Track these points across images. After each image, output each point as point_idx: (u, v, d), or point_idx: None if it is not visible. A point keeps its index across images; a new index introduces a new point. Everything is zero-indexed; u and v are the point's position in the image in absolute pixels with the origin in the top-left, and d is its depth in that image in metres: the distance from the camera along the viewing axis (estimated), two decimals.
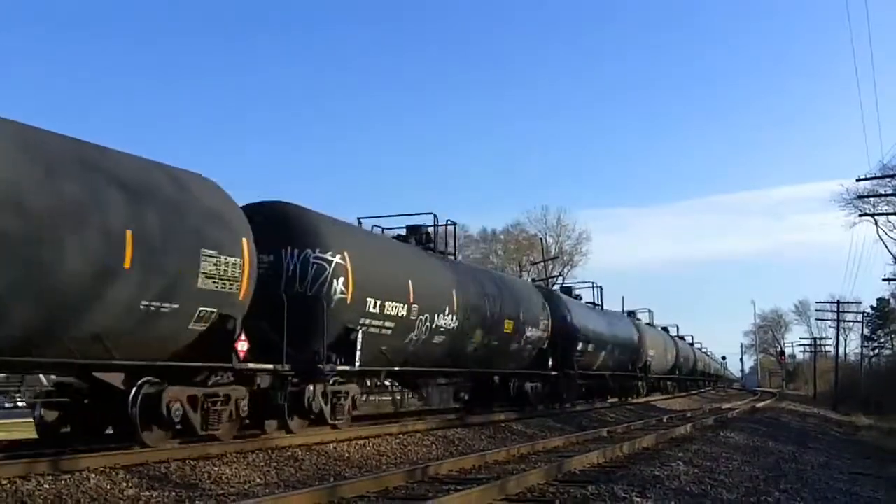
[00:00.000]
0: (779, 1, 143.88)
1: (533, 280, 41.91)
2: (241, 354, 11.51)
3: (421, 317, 16.00)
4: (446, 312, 17.14)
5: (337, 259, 13.58)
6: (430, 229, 19.10)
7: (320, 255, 13.42)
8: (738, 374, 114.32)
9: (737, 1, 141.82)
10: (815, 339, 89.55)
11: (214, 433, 11.47)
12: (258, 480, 9.99)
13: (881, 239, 43.39)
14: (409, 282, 15.69)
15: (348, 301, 13.72)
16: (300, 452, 11.81)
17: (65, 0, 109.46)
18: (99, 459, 9.56)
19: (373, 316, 14.38)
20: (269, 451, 11.50)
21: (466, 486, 9.17)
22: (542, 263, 54.16)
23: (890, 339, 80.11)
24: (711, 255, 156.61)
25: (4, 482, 8.22)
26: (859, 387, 56.16)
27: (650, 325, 43.66)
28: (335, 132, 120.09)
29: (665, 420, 23.96)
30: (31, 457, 9.53)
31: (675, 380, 50.23)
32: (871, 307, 73.84)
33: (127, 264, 9.49)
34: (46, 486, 8.32)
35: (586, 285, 33.95)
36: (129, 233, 9.54)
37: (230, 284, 11.21)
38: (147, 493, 8.67)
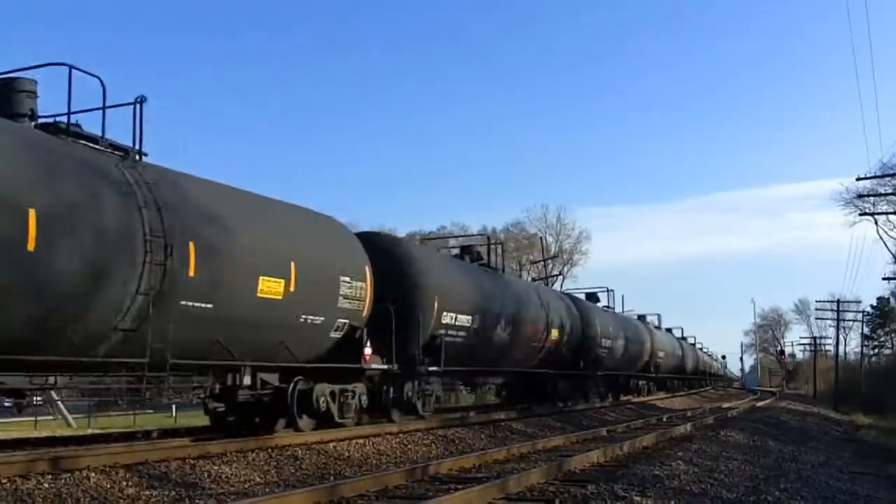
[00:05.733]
0: (780, 0, 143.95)
1: (533, 279, 41.93)
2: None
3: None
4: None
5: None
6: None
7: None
8: (738, 374, 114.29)
9: None
10: (815, 338, 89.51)
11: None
12: (258, 479, 9.99)
13: (881, 238, 43.39)
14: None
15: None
16: (300, 451, 11.81)
17: None
18: (99, 458, 9.58)
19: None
20: (270, 450, 11.50)
21: (466, 485, 9.18)
22: (542, 262, 54.12)
23: (890, 339, 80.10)
24: (711, 253, 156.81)
25: (4, 481, 8.22)
26: (859, 386, 56.18)
27: (658, 327, 45.42)
28: (330, 129, 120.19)
29: (665, 419, 23.96)
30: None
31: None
32: (871, 306, 73.91)
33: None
34: (46, 485, 8.32)
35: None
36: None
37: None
38: (147, 492, 8.67)
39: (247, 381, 12.33)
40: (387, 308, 15.12)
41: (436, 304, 16.72)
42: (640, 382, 37.73)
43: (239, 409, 13.06)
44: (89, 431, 18.15)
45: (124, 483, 8.88)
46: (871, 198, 38.41)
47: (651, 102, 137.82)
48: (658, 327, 45.82)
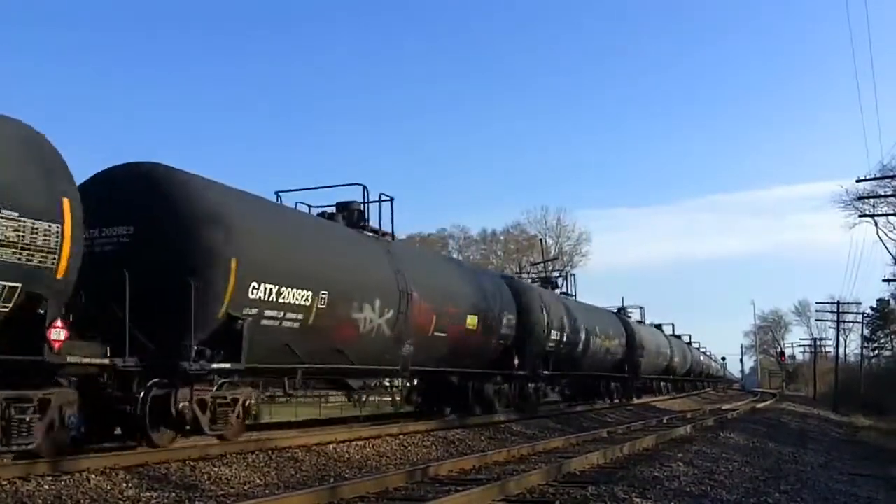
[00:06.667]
0: (780, 0, 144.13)
1: (532, 280, 41.53)
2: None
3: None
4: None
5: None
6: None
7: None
8: (738, 375, 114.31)
9: None
10: (815, 339, 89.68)
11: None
12: (258, 481, 10.00)
13: (881, 240, 43.38)
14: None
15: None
16: (300, 453, 11.83)
17: None
18: (99, 460, 9.59)
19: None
20: (270, 452, 11.52)
21: (466, 486, 9.19)
22: (542, 264, 54.13)
23: (890, 340, 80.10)
24: (711, 255, 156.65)
25: (4, 483, 8.23)
26: (859, 387, 56.20)
27: (641, 322, 40.78)
28: (329, 130, 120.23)
29: (665, 421, 23.96)
30: None
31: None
32: (871, 308, 73.88)
33: None
34: (46, 487, 8.33)
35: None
36: None
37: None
38: (147, 494, 8.68)
39: None
40: (135, 271, 10.14)
41: (233, 270, 11.08)
42: (612, 384, 32.29)
43: None
44: None
45: (124, 485, 8.89)
46: (871, 199, 38.46)
47: (651, 103, 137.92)
48: (641, 322, 40.59)
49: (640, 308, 42.70)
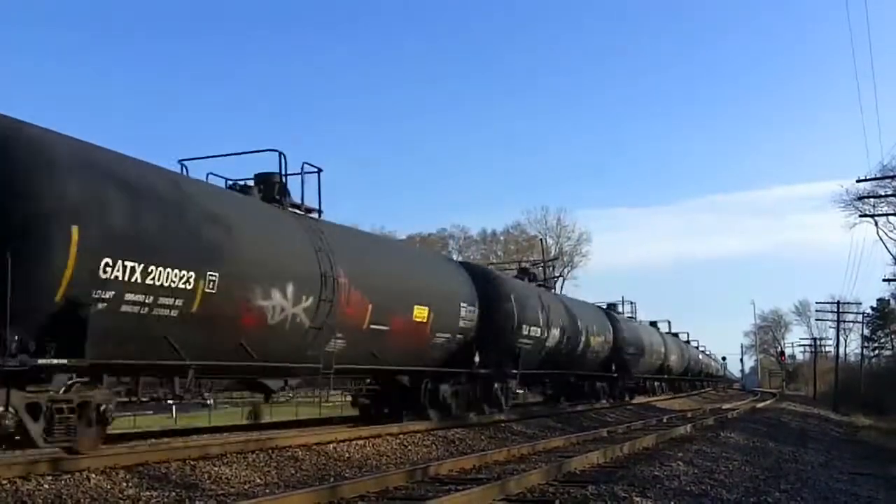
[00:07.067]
0: (780, 0, 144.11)
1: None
2: None
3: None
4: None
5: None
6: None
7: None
8: (739, 375, 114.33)
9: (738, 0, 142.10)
10: (815, 339, 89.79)
11: None
12: (258, 480, 10.00)
13: (881, 240, 43.50)
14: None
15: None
16: (300, 452, 11.83)
17: None
18: (99, 459, 9.58)
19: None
20: (270, 451, 11.52)
21: (467, 486, 9.19)
22: (542, 265, 54.12)
23: (890, 340, 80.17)
24: (711, 255, 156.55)
25: (5, 482, 8.23)
26: (859, 387, 56.24)
27: (632, 318, 38.79)
28: (330, 130, 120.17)
29: (665, 420, 23.94)
30: None
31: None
32: (872, 308, 73.97)
33: None
34: (46, 486, 8.33)
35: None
36: None
37: None
38: (147, 493, 8.68)
39: None
40: None
41: (74, 241, 8.84)
42: (598, 385, 30.24)
43: None
44: None
45: (124, 484, 8.88)
46: (871, 199, 38.50)
47: (651, 103, 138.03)
48: (633, 318, 38.59)
49: (632, 303, 40.30)
